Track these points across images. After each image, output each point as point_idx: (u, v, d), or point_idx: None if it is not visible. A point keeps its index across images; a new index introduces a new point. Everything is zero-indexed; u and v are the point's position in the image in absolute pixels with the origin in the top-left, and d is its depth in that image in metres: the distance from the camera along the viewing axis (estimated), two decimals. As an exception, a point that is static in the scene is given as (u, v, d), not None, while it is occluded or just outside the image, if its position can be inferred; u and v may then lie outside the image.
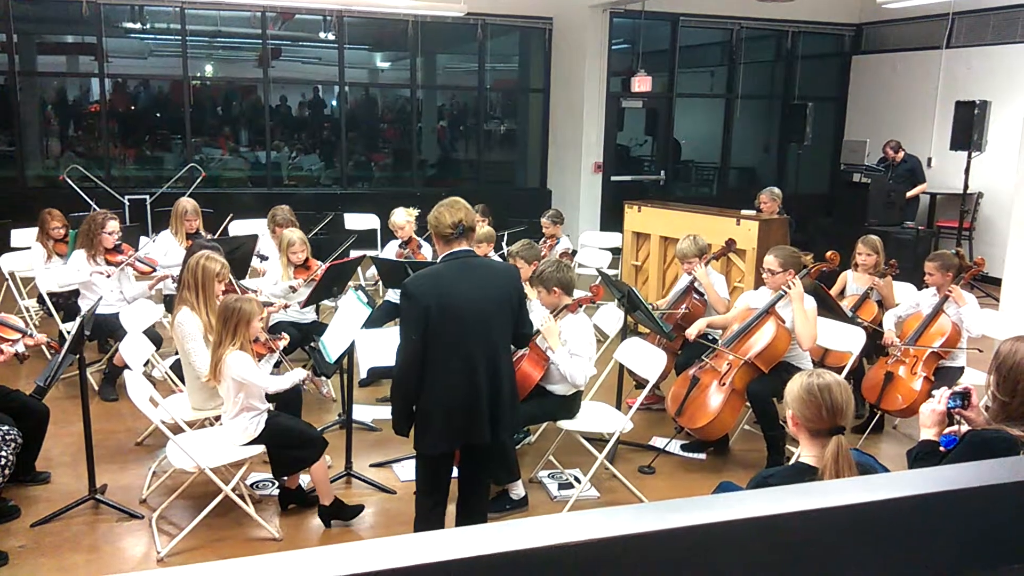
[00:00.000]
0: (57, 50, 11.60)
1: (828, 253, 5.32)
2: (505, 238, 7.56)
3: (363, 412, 5.31)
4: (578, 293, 4.50)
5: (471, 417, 3.30)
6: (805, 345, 4.59)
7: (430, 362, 3.25)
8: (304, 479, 4.19)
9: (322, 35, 11.01)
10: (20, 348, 4.12)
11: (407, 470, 4.54)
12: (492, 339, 3.34)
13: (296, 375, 4.08)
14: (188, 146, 10.69)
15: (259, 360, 4.07)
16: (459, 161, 13.05)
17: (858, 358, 4.86)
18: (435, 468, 3.47)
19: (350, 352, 4.36)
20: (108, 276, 5.54)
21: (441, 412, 3.30)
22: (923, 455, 2.71)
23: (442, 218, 3.33)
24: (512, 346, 3.95)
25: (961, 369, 4.93)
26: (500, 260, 6.00)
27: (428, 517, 3.49)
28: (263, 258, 6.24)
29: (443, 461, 3.45)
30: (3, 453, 3.81)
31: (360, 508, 4.09)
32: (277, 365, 4.33)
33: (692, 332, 4.94)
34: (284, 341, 4.31)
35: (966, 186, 9.17)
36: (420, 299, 3.21)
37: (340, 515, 4.03)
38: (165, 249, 6.23)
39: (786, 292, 4.63)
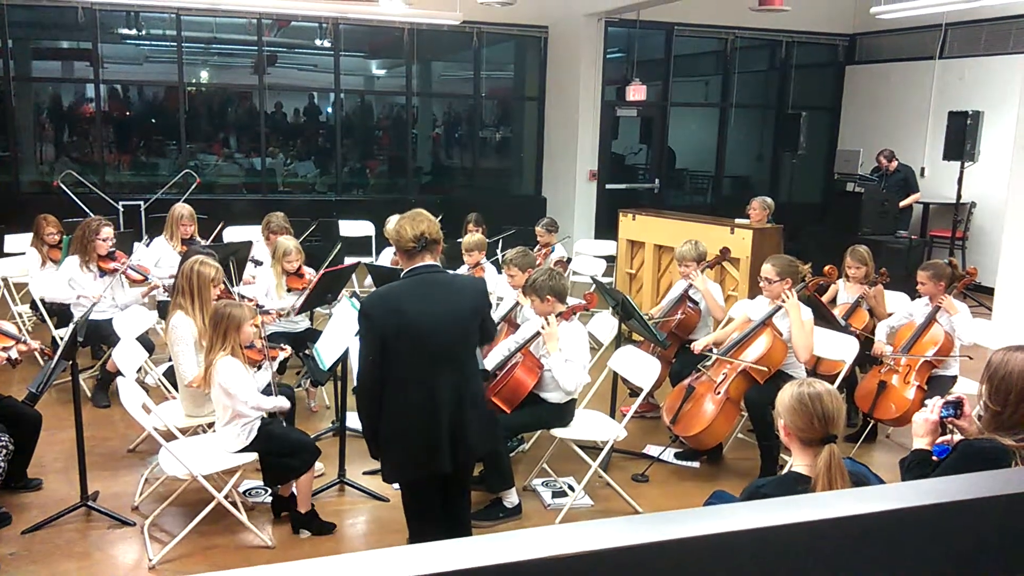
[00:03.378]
0: (52, 56, 11.59)
1: (826, 268, 5.34)
2: (500, 244, 7.57)
3: (357, 420, 5.29)
4: (572, 301, 4.50)
5: (430, 449, 3.17)
6: (802, 358, 4.61)
7: (389, 388, 3.13)
8: (297, 487, 4.18)
9: (318, 42, 11.02)
10: (13, 354, 4.11)
11: (400, 478, 4.52)
12: (455, 362, 3.21)
13: (279, 402, 4.01)
14: (183, 152, 10.69)
15: (256, 368, 4.07)
16: (454, 169, 13.07)
17: (851, 367, 4.87)
18: (414, 492, 3.38)
19: (344, 359, 4.36)
20: (97, 300, 5.46)
21: (399, 443, 3.20)
22: (916, 464, 2.72)
23: (403, 231, 3.17)
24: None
25: (954, 378, 4.95)
26: (488, 277, 5.98)
27: (420, 539, 3.42)
28: (257, 263, 6.24)
29: (419, 487, 3.35)
30: (-5, 460, 3.80)
31: (332, 527, 4.04)
32: (281, 372, 4.30)
33: (699, 346, 4.95)
34: (284, 353, 4.30)
35: (959, 196, 9.21)
36: (376, 321, 3.08)
37: (310, 527, 4.00)
38: (160, 255, 6.22)
39: (783, 304, 4.65)
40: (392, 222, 6.50)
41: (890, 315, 5.37)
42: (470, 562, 0.81)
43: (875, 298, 5.50)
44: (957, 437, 2.75)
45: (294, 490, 4.15)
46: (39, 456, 4.44)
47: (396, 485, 4.45)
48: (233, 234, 7.65)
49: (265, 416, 4.02)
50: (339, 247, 6.29)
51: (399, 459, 3.24)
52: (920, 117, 11.00)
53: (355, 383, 5.10)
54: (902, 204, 9.70)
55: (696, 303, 5.49)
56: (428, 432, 3.17)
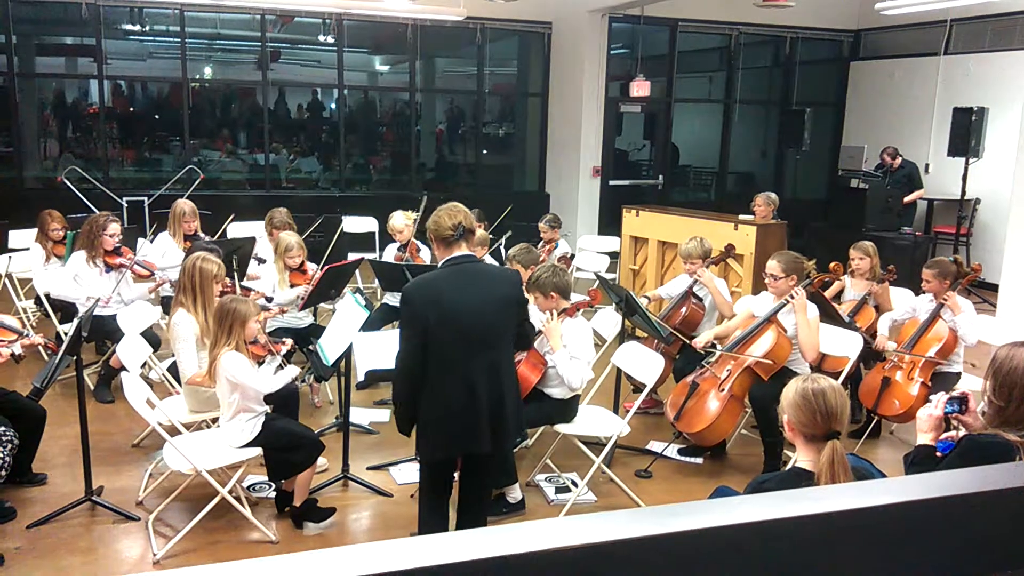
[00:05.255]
0: (56, 51, 11.60)
1: (832, 264, 5.33)
2: (503, 243, 7.57)
3: (360, 415, 5.31)
4: (576, 297, 4.50)
5: (470, 427, 3.29)
6: (808, 356, 4.61)
7: (430, 371, 3.24)
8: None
9: (321, 38, 11.01)
10: (17, 349, 4.11)
11: (404, 473, 4.53)
12: (493, 348, 3.32)
13: (288, 373, 4.07)
14: (187, 148, 10.69)
15: (259, 363, 4.07)
16: (457, 165, 13.07)
17: (855, 363, 4.86)
18: (436, 472, 3.48)
19: (348, 355, 4.36)
20: (106, 303, 5.48)
21: (440, 422, 3.29)
22: (920, 460, 2.72)
23: (441, 221, 3.30)
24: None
25: (958, 374, 4.94)
26: (497, 266, 6.00)
27: (430, 519, 3.51)
28: (260, 261, 6.24)
29: (444, 465, 3.46)
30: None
31: (332, 510, 4.07)
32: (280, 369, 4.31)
33: (700, 342, 4.94)
34: (286, 346, 4.30)
35: (963, 192, 9.19)
36: (419, 307, 3.20)
37: (310, 516, 4.02)
38: (163, 251, 6.23)
39: (789, 301, 4.64)
40: (395, 217, 6.56)
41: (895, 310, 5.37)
42: (473, 554, 0.81)
43: (881, 295, 5.49)
44: (961, 433, 2.75)
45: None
46: (43, 451, 4.45)
47: (401, 481, 4.49)
48: (237, 230, 7.66)
49: (269, 411, 4.03)
50: (339, 234, 6.29)
51: (439, 439, 3.33)
52: (925, 113, 10.96)
53: (360, 379, 5.16)
54: (906, 200, 9.69)
55: (700, 299, 5.49)
56: (469, 412, 3.27)
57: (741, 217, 6.89)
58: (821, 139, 12.03)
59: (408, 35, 10.92)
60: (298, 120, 12.84)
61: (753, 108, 12.69)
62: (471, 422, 3.28)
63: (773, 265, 4.74)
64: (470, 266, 3.34)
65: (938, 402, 2.75)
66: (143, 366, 4.63)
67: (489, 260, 6.21)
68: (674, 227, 7.14)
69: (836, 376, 4.37)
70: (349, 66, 11.19)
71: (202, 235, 6.49)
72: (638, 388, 5.19)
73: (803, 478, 2.49)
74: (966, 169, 9.06)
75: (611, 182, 11.42)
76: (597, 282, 5.48)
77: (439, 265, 3.40)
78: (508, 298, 3.37)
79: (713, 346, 4.92)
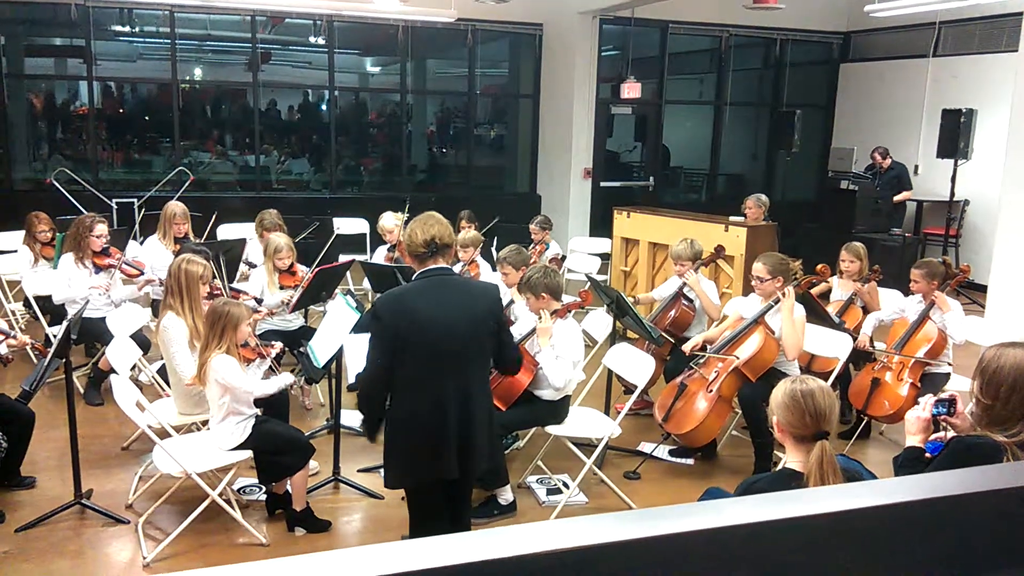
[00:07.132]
0: (45, 53, 11.54)
1: (819, 266, 5.35)
2: (495, 241, 7.56)
3: (351, 417, 5.29)
4: (567, 298, 4.51)
5: (436, 452, 3.12)
6: (790, 355, 4.62)
7: (396, 390, 3.11)
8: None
9: (312, 39, 10.99)
10: (3, 350, 4.10)
11: (395, 475, 4.52)
12: (465, 366, 3.17)
13: (282, 380, 4.07)
14: (177, 149, 10.65)
15: (248, 366, 4.06)
16: (449, 166, 13.06)
17: (844, 364, 4.88)
18: (420, 496, 3.34)
19: (338, 357, 4.36)
20: (106, 290, 5.52)
21: (404, 447, 3.15)
22: (909, 461, 2.73)
23: (414, 236, 3.15)
24: (499, 370, 3.69)
25: (947, 375, 4.96)
26: (482, 274, 5.99)
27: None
28: (251, 265, 6.21)
29: (425, 489, 3.30)
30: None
31: (328, 524, 4.04)
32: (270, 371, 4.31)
33: (689, 347, 4.95)
34: (276, 349, 4.29)
35: (952, 194, 9.24)
36: (389, 322, 3.06)
37: (306, 525, 4.00)
38: (153, 253, 6.19)
39: (780, 300, 4.65)
40: (385, 218, 6.56)
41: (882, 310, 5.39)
42: (464, 557, 0.81)
43: (869, 295, 5.51)
44: (951, 434, 2.76)
45: (288, 488, 4.14)
46: (32, 454, 4.43)
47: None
48: (227, 231, 7.64)
49: (260, 413, 4.02)
50: (333, 238, 6.28)
51: (404, 464, 3.20)
52: (914, 115, 11.02)
53: (350, 381, 5.14)
54: (895, 199, 9.75)
55: (691, 300, 5.50)
56: (436, 436, 3.12)
57: (731, 219, 6.91)
58: (811, 141, 12.08)
59: (399, 36, 10.91)
60: (289, 121, 12.81)
61: (743, 110, 12.73)
62: (437, 444, 3.12)
63: (759, 267, 4.75)
64: (445, 279, 3.19)
65: (925, 404, 2.77)
66: (133, 368, 4.61)
67: (481, 261, 6.22)
68: (665, 228, 7.16)
69: (825, 377, 4.39)
70: (340, 67, 11.17)
71: (191, 237, 6.46)
72: (629, 389, 5.19)
73: (793, 479, 2.50)
74: (955, 170, 9.11)
75: (602, 183, 11.44)
76: (588, 283, 5.48)
77: (413, 277, 3.25)
78: (483, 313, 3.21)
79: (703, 349, 4.93)
